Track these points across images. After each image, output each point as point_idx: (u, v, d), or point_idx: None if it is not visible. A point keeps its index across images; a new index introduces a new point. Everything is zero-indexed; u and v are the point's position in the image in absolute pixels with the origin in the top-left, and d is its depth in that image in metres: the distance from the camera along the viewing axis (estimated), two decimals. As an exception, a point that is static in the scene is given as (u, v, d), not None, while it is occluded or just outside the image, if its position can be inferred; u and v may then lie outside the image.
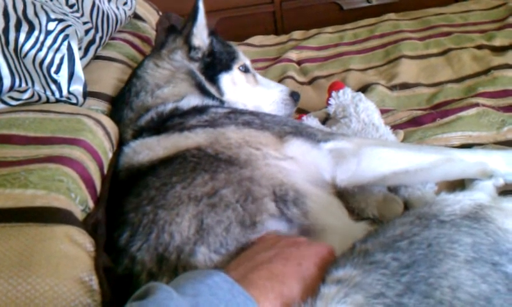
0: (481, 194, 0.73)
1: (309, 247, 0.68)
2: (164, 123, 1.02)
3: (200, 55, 1.26)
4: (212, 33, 1.30)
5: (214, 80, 1.24)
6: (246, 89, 1.30)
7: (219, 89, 1.24)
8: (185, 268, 0.71)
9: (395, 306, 0.54)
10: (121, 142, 1.04)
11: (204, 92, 1.17)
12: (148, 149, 0.94)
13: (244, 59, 1.33)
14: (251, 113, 1.06)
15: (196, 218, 0.76)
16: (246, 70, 1.32)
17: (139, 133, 1.03)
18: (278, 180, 0.85)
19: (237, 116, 1.02)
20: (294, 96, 1.36)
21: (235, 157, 0.89)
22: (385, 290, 0.56)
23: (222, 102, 1.19)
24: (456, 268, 0.56)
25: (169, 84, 1.16)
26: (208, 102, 1.11)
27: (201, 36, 1.27)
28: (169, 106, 1.07)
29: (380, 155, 0.97)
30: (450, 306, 0.53)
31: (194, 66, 1.24)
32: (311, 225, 0.81)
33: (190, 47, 1.25)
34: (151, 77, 1.19)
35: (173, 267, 0.72)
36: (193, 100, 1.10)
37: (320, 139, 0.98)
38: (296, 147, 0.95)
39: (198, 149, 0.90)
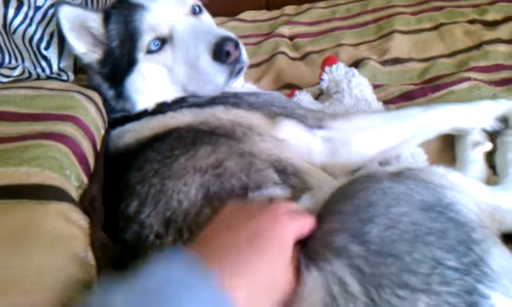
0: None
1: (289, 222, 0.63)
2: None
3: (96, 64, 1.00)
4: (107, 15, 0.98)
5: (120, 91, 1.00)
6: (167, 76, 0.99)
7: (129, 99, 1.00)
8: (191, 228, 0.74)
9: (361, 236, 0.61)
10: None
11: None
12: (130, 132, 0.95)
13: (150, 27, 0.95)
14: (235, 95, 1.00)
15: (203, 187, 0.79)
16: (160, 44, 0.96)
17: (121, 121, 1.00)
18: (275, 156, 0.87)
19: (220, 99, 0.98)
20: (224, 47, 0.92)
21: (231, 133, 0.90)
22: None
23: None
24: (412, 211, 0.63)
25: None
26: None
27: (84, 42, 0.98)
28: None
29: (368, 140, 1.00)
30: (415, 235, 0.60)
31: (100, 80, 1.02)
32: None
33: (87, 65, 1.02)
34: None
35: (179, 227, 0.75)
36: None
37: (313, 125, 0.98)
38: (288, 129, 0.96)
39: (190, 127, 0.91)
